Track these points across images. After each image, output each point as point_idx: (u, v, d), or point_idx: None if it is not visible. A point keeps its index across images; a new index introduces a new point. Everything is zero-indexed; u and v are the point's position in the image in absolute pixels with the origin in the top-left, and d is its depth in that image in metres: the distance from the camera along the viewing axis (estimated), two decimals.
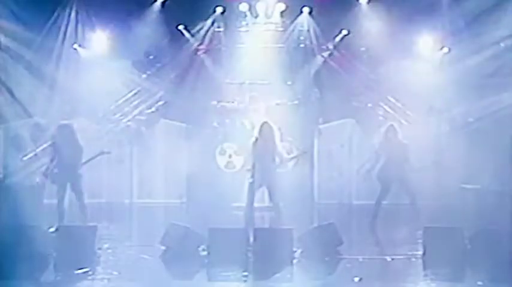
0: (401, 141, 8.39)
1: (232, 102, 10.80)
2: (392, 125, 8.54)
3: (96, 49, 10.95)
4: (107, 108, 10.94)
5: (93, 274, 6.41)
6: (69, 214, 7.99)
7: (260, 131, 7.80)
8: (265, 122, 7.91)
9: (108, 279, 6.18)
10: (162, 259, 6.99)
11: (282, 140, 8.19)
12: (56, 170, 7.81)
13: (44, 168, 7.95)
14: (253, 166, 7.66)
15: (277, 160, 7.75)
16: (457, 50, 10.49)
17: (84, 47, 10.95)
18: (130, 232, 9.11)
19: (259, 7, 10.98)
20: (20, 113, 10.37)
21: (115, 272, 6.39)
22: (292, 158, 8.04)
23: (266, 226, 8.56)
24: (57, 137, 7.89)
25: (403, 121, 9.45)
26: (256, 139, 7.74)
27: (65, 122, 8.21)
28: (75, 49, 10.90)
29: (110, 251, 7.28)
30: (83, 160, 7.97)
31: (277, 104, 10.66)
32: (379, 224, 8.47)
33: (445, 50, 10.81)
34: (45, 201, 9.78)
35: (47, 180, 7.88)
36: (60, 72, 10.69)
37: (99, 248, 7.22)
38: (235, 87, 11.10)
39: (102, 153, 8.28)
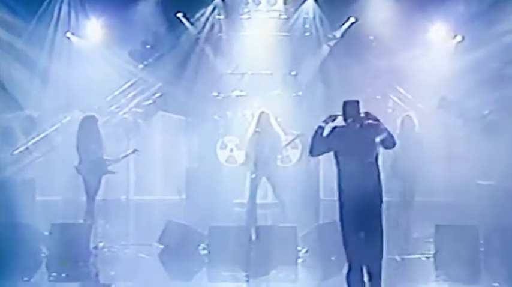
0: (418, 133, 8.24)
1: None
2: (408, 116, 8.39)
3: (91, 38, 10.89)
4: (103, 100, 10.89)
5: (87, 273, 6.40)
6: (70, 211, 7.96)
7: (258, 121, 7.80)
8: (263, 112, 7.92)
9: (104, 279, 6.16)
10: (160, 258, 6.98)
11: (284, 132, 8.16)
12: (83, 166, 7.70)
13: (76, 163, 7.73)
14: (253, 159, 7.63)
15: (278, 151, 7.74)
16: (471, 39, 10.39)
17: (77, 36, 10.89)
18: (127, 230, 9.10)
19: None
20: (11, 105, 10.34)
21: (111, 273, 6.37)
22: (288, 143, 8.00)
23: (269, 223, 8.54)
24: (82, 131, 7.77)
25: (413, 114, 9.35)
26: (255, 130, 7.72)
27: (90, 114, 8.09)
28: (68, 38, 10.84)
29: (105, 250, 7.26)
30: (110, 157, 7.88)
31: (279, 95, 10.60)
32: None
33: (459, 38, 10.71)
34: (38, 198, 9.80)
35: (80, 176, 7.73)
36: (52, 62, 10.64)
37: (95, 247, 7.21)
38: (236, 77, 11.04)
39: (134, 151, 8.25)
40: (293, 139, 8.39)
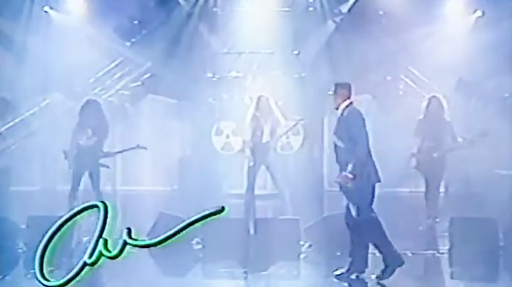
0: (445, 118, 8.15)
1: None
2: (436, 97, 8.31)
3: (71, 12, 10.85)
4: (85, 82, 10.89)
5: (70, 271, 6.41)
6: (48, 202, 7.98)
7: (257, 105, 7.85)
8: (262, 95, 7.96)
9: (89, 277, 6.17)
10: (150, 253, 6.99)
11: (285, 117, 8.19)
12: (75, 151, 7.77)
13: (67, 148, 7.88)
14: (251, 147, 7.66)
15: (278, 137, 7.79)
16: (492, 14, 10.37)
17: (56, 10, 10.84)
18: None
19: None
20: None
21: (97, 270, 6.38)
22: (290, 129, 8.05)
23: (269, 216, 8.59)
24: (82, 115, 7.91)
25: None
26: (254, 115, 7.77)
27: (92, 97, 8.18)
28: (46, 12, 10.79)
29: (90, 245, 7.27)
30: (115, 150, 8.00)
31: (280, 76, 10.62)
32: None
33: (478, 13, 10.69)
34: (13, 188, 9.80)
35: (67, 161, 7.83)
36: (29, 38, 10.59)
37: (78, 242, 7.23)
38: (233, 57, 11.03)
39: (137, 147, 8.31)
40: (295, 125, 8.44)
